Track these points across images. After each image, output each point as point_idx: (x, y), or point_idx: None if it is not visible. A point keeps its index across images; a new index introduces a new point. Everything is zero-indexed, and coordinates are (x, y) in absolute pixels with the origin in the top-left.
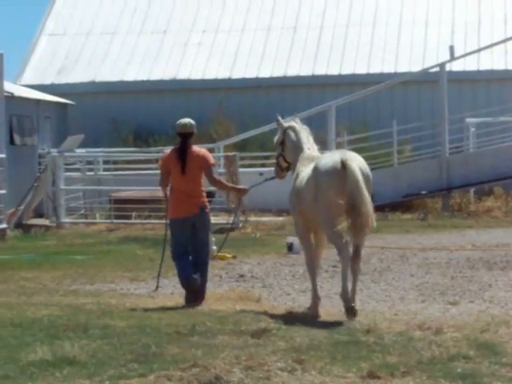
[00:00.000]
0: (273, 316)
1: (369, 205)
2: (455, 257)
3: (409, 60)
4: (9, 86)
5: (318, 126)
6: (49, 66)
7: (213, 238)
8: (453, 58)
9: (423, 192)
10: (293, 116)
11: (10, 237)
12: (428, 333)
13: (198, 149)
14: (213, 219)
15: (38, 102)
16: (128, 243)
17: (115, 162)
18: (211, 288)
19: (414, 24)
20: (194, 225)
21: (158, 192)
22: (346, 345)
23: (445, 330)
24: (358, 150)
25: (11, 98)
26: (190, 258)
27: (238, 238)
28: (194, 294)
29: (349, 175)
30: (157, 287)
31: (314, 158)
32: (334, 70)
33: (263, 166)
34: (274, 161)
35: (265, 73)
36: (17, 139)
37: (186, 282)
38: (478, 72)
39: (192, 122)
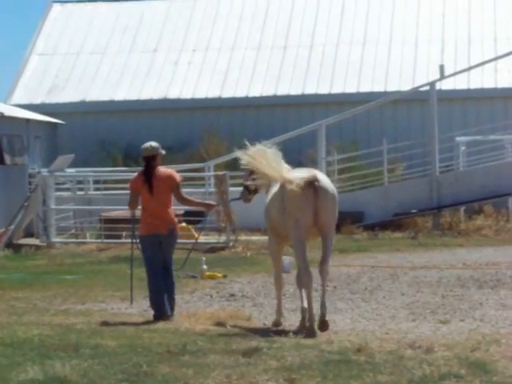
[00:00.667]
0: (264, 335)
1: (330, 216)
2: (446, 275)
3: (399, 79)
4: None
5: (308, 145)
6: (39, 86)
7: (203, 258)
8: (443, 76)
9: (413, 211)
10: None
11: (0, 256)
12: (419, 351)
13: (165, 169)
14: (203, 238)
15: (28, 121)
16: (118, 263)
17: (105, 182)
18: (202, 307)
19: (404, 43)
20: (160, 243)
21: None
22: (337, 364)
23: (436, 349)
24: (349, 169)
25: (1, 118)
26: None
27: (229, 257)
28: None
29: (316, 190)
30: (131, 302)
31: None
32: (324, 89)
33: None
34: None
35: (255, 92)
36: (7, 159)
37: (157, 309)
38: (468, 90)
39: (154, 144)
